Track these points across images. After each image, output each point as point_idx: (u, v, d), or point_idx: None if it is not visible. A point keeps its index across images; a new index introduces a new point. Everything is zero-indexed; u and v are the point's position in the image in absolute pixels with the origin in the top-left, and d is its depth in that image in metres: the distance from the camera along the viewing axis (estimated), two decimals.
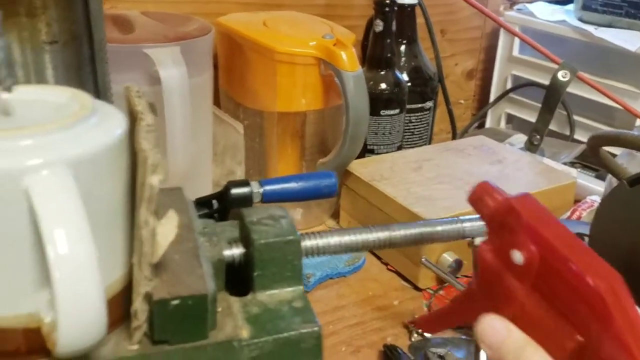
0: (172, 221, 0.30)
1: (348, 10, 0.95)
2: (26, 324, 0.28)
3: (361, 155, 0.79)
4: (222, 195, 0.48)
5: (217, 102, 0.83)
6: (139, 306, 0.29)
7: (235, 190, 0.45)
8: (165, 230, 0.29)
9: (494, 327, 0.30)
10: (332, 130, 0.80)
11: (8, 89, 0.29)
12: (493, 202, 0.31)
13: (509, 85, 1.06)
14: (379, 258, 0.76)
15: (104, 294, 0.26)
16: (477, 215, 0.41)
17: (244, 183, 0.46)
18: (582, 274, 0.26)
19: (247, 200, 0.46)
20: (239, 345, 0.31)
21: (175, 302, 0.30)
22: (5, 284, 0.28)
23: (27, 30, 0.38)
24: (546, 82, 0.94)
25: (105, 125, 0.30)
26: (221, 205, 0.47)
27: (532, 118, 0.99)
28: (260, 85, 0.76)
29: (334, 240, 0.37)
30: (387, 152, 0.84)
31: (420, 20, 0.89)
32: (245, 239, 0.36)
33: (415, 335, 0.68)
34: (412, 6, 0.87)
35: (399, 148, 0.86)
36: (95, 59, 0.43)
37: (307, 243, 0.36)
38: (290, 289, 0.35)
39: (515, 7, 1.06)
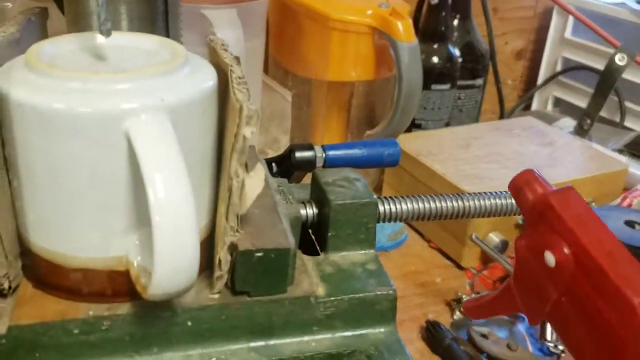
0: (260, 174, 0.30)
1: None
2: (114, 267, 0.29)
3: (408, 130, 0.78)
4: (283, 159, 0.47)
5: (265, 69, 0.82)
6: (223, 256, 0.29)
7: (299, 154, 0.45)
8: (253, 183, 0.29)
9: None
10: (380, 102, 0.79)
11: (107, 33, 0.29)
12: (532, 194, 0.29)
13: (558, 68, 1.04)
14: (421, 235, 0.76)
15: (199, 240, 0.26)
16: None
17: (308, 147, 0.46)
18: (618, 286, 0.24)
19: (310, 164, 0.46)
20: (316, 302, 0.31)
21: (259, 254, 0.30)
22: (97, 225, 0.28)
23: None
24: (598, 66, 0.92)
25: (198, 74, 0.30)
26: (282, 168, 0.47)
27: (581, 103, 0.97)
28: (312, 52, 0.75)
29: (409, 206, 0.36)
30: (434, 128, 0.83)
31: None
32: (319, 199, 0.36)
33: (458, 313, 0.68)
34: None
35: (447, 125, 0.85)
36: (168, 13, 0.43)
37: (382, 207, 0.36)
38: (363, 251, 0.35)
39: None
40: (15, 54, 0.31)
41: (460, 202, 0.37)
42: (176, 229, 0.25)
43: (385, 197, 0.37)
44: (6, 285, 0.29)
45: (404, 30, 0.70)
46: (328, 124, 0.79)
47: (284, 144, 0.79)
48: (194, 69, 0.30)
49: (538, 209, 0.28)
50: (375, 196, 0.35)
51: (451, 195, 0.38)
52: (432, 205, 0.37)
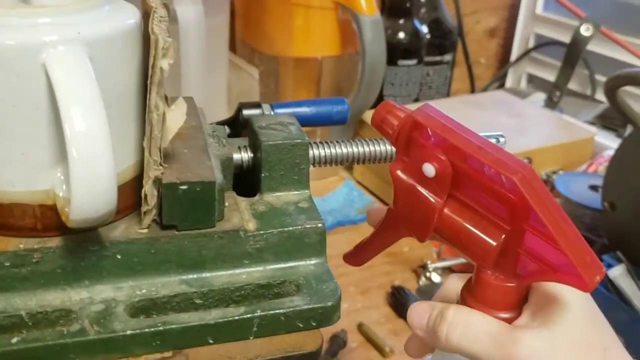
0: (181, 107, 0.30)
1: None
2: (42, 201, 0.30)
3: (375, 106, 0.79)
4: (234, 120, 0.48)
5: (233, 48, 0.83)
6: (149, 190, 0.30)
7: (246, 112, 0.46)
8: (174, 116, 0.30)
9: (417, 311, 0.31)
10: (347, 78, 0.80)
11: None
12: (396, 119, 0.31)
13: (531, 45, 1.05)
14: None
15: (114, 169, 0.27)
16: (486, 133, 0.42)
17: (256, 105, 0.47)
18: (495, 171, 0.26)
19: None
20: (245, 235, 0.32)
21: (184, 187, 0.30)
22: (23, 159, 0.29)
23: None
24: (568, 40, 0.93)
25: (119, 13, 0.31)
26: (234, 129, 0.48)
27: (553, 78, 0.98)
28: (276, 29, 0.76)
29: (340, 150, 0.37)
30: (403, 104, 0.84)
31: None
32: (253, 143, 0.36)
33: (423, 279, 0.69)
34: None
35: (416, 101, 0.86)
36: None
37: (314, 150, 0.37)
38: (296, 192, 0.36)
39: None
40: None
41: (386, 146, 0.38)
42: (91, 156, 0.26)
43: (317, 142, 0.37)
44: None
45: (366, 4, 0.71)
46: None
47: None
48: (116, 9, 0.31)
49: (405, 132, 0.30)
50: (307, 138, 0.36)
51: (379, 140, 0.39)
52: (362, 149, 0.38)
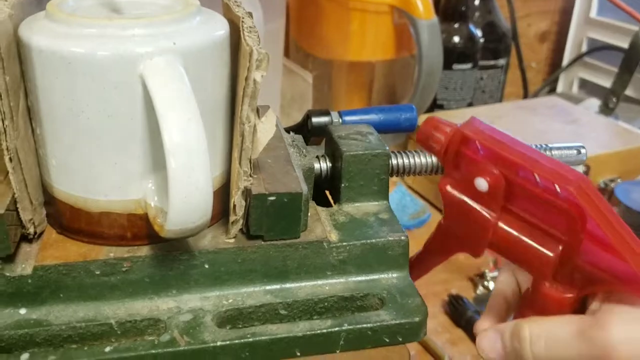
0: (271, 119, 0.30)
1: None
2: (133, 210, 0.30)
3: (430, 110, 0.78)
4: (301, 126, 0.48)
5: (286, 52, 0.83)
6: (237, 200, 0.30)
7: (316, 119, 0.46)
8: (265, 128, 0.30)
9: (487, 339, 0.31)
10: (400, 83, 0.79)
11: None
12: (443, 135, 0.30)
13: (584, 49, 1.02)
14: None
15: (211, 180, 0.27)
16: (566, 144, 0.40)
17: (325, 112, 0.46)
18: (550, 182, 0.26)
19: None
20: (328, 247, 0.32)
21: (272, 198, 0.30)
22: (116, 169, 0.29)
23: None
24: (625, 45, 0.90)
25: (210, 23, 0.31)
26: (300, 135, 0.48)
27: (607, 83, 0.96)
28: (332, 34, 0.76)
29: (419, 160, 0.37)
30: (457, 108, 0.83)
31: None
32: (332, 153, 0.36)
33: (481, 288, 0.68)
34: None
35: (469, 105, 0.85)
36: None
37: (395, 160, 0.36)
38: (376, 202, 0.35)
39: None
40: (38, 11, 0.33)
41: None
42: (190, 166, 0.26)
43: (398, 151, 0.37)
44: (31, 230, 0.30)
45: (423, 8, 0.71)
46: (349, 105, 0.80)
47: None
48: (206, 19, 0.31)
49: (453, 147, 0.29)
50: (387, 148, 0.35)
51: None
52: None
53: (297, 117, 0.82)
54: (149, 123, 0.28)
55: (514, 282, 0.34)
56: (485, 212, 0.29)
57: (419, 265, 0.36)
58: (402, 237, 0.33)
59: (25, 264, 0.29)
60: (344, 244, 0.32)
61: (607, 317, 0.27)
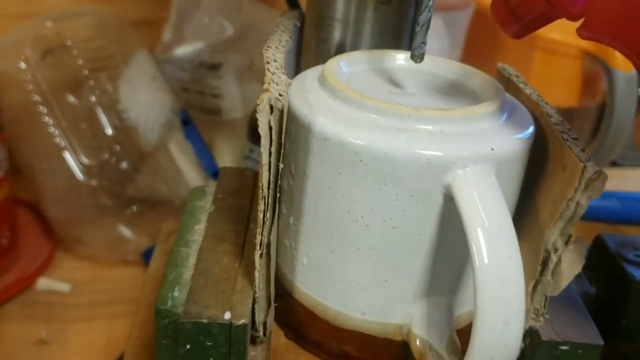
0: (580, 248, 0.24)
1: None
2: (390, 335, 0.24)
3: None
4: None
5: None
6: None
7: None
8: (571, 258, 0.24)
9: None
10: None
11: (419, 59, 0.25)
12: None
13: None
14: None
15: (524, 316, 0.21)
16: None
17: None
18: None
19: None
20: None
21: (565, 347, 0.24)
22: (385, 287, 0.23)
23: None
24: None
25: (516, 116, 0.24)
26: None
27: None
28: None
29: None
30: (632, 167, 0.74)
31: None
32: (612, 280, 0.29)
33: None
34: None
35: None
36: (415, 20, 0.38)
37: None
38: None
39: None
40: (291, 64, 0.27)
41: None
42: (504, 297, 0.20)
43: None
44: (261, 334, 0.25)
45: (622, 59, 0.62)
46: None
47: None
48: (511, 109, 0.25)
49: None
50: None
51: None
52: None
53: None
54: (438, 240, 0.23)
55: None
56: None
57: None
58: None
59: None
60: None
61: None
